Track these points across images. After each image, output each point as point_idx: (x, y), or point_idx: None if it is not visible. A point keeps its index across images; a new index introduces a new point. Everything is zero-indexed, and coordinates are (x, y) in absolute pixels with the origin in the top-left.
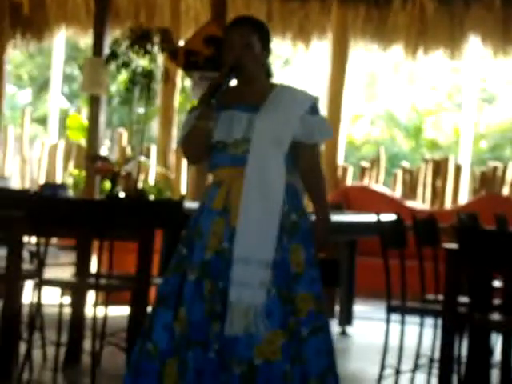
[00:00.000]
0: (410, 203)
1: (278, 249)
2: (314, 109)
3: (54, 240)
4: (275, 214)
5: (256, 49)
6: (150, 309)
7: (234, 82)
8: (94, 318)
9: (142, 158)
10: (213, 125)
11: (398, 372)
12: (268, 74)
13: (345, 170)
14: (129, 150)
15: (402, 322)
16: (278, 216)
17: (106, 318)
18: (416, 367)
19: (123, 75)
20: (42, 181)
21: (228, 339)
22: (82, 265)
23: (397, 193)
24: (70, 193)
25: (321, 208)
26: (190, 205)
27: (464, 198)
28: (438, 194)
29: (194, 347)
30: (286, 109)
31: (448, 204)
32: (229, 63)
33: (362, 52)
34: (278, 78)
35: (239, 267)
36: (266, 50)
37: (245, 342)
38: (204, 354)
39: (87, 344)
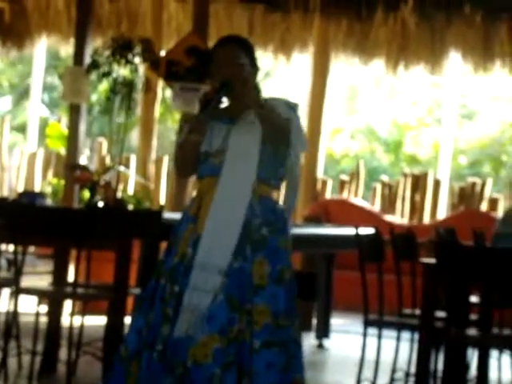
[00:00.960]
0: (388, 217)
1: (237, 258)
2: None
3: (31, 248)
4: (237, 224)
5: (247, 67)
6: (127, 318)
7: (225, 101)
8: (71, 327)
9: (122, 168)
10: (203, 139)
11: None
12: (257, 90)
13: (324, 183)
14: (108, 160)
15: (379, 336)
16: (239, 226)
17: (82, 327)
18: (392, 381)
19: (104, 84)
20: (20, 189)
21: (173, 342)
22: (59, 274)
23: (376, 207)
24: (49, 201)
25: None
26: (169, 215)
27: (442, 213)
28: (416, 209)
29: (148, 348)
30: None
31: (426, 219)
32: (218, 80)
33: (343, 66)
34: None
35: (196, 272)
36: (253, 67)
37: (183, 345)
38: (151, 354)
39: (63, 353)
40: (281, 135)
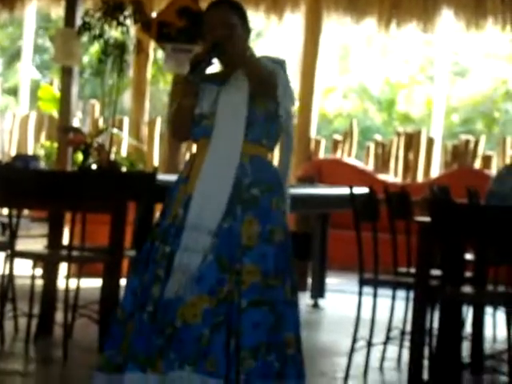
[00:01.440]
0: (382, 176)
1: (227, 218)
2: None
3: (25, 212)
4: (226, 185)
5: (239, 28)
6: (123, 281)
7: (216, 63)
8: (66, 290)
9: (115, 130)
10: (196, 101)
11: (369, 344)
12: (249, 53)
13: (317, 143)
14: (101, 122)
15: (374, 295)
16: (228, 186)
17: (78, 289)
18: (388, 339)
19: (95, 46)
20: (13, 152)
21: (163, 303)
22: (54, 237)
23: (369, 166)
24: (42, 164)
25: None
26: (163, 177)
27: (436, 172)
28: (410, 168)
29: (140, 309)
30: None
31: (420, 177)
32: (209, 42)
33: (335, 25)
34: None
35: (186, 233)
36: (245, 29)
37: (173, 305)
38: (141, 315)
39: (59, 316)
40: (267, 88)
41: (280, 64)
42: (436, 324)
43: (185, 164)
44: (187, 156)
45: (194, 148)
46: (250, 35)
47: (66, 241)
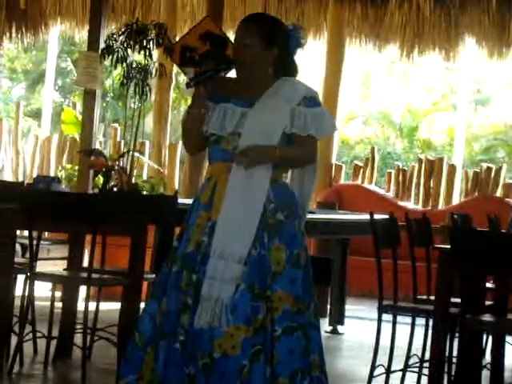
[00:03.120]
0: (402, 203)
1: (256, 245)
2: (308, 100)
3: (46, 234)
4: (256, 212)
5: (255, 48)
6: (142, 304)
7: (231, 74)
8: (86, 313)
9: (136, 154)
10: (205, 111)
11: (388, 371)
12: (281, 71)
13: (338, 168)
14: (122, 145)
15: (394, 322)
16: (258, 214)
17: (97, 312)
18: (407, 367)
19: (118, 70)
20: (35, 174)
21: (194, 332)
22: (74, 259)
23: (390, 192)
24: (64, 187)
25: (280, 149)
26: (184, 201)
27: (457, 199)
28: (431, 195)
29: (166, 337)
30: (277, 102)
31: (441, 205)
32: (222, 55)
33: (358, 51)
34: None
35: (214, 261)
36: (272, 47)
37: (208, 335)
38: (172, 344)
39: (78, 338)
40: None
41: (308, 93)
42: (455, 352)
43: (201, 187)
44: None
45: (211, 170)
46: (281, 52)
47: (85, 263)
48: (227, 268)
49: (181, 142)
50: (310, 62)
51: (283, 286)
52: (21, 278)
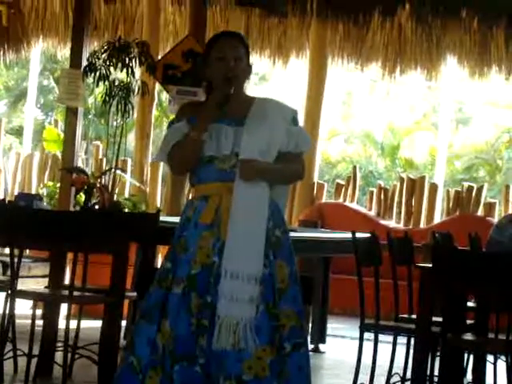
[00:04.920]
0: (384, 222)
1: (265, 264)
2: (295, 120)
3: (27, 251)
4: (261, 230)
5: (243, 61)
6: (123, 322)
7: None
8: (67, 331)
9: (118, 171)
10: (206, 136)
11: None
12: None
13: (320, 187)
14: (104, 163)
15: (376, 341)
16: (263, 231)
17: (78, 330)
18: None
19: (100, 88)
20: (16, 192)
21: (215, 354)
22: (55, 277)
23: (372, 211)
24: (45, 204)
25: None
26: (166, 219)
27: (438, 218)
28: (412, 213)
29: (180, 362)
30: (271, 121)
31: (422, 223)
32: (225, 74)
33: (340, 70)
34: (255, 94)
35: (227, 282)
36: (248, 64)
37: (233, 357)
38: (190, 368)
39: (59, 356)
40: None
41: (294, 113)
42: (437, 371)
43: (196, 207)
44: (193, 198)
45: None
46: (251, 70)
47: (67, 281)
48: (244, 288)
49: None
50: (293, 80)
51: (289, 303)
52: (1, 296)
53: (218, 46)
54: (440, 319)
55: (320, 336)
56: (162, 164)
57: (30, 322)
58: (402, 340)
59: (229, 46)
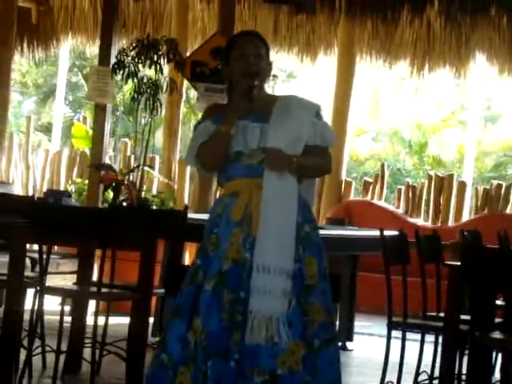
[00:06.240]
0: (412, 219)
1: (296, 259)
2: (319, 114)
3: (55, 248)
4: (291, 225)
5: (264, 59)
6: (151, 319)
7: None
8: (95, 327)
9: (146, 168)
10: (234, 131)
11: None
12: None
13: (348, 184)
14: (132, 160)
15: (403, 338)
16: (294, 226)
17: (106, 326)
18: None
19: (129, 85)
20: (45, 189)
21: (249, 348)
22: (83, 273)
23: (400, 209)
24: (73, 201)
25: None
26: (193, 215)
27: (466, 216)
28: (440, 211)
29: (214, 357)
30: (295, 116)
31: (450, 221)
32: (245, 69)
33: (368, 68)
34: (282, 91)
35: (259, 276)
36: (269, 62)
37: (267, 351)
38: (224, 363)
39: (87, 352)
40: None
41: (318, 107)
42: (465, 369)
43: (221, 204)
44: (222, 195)
45: (233, 186)
46: (271, 68)
47: (95, 278)
48: (276, 283)
49: None
50: (321, 78)
51: (319, 299)
52: (30, 292)
53: (238, 45)
54: (468, 317)
55: (347, 334)
56: None
57: (58, 318)
58: (429, 338)
59: (248, 44)
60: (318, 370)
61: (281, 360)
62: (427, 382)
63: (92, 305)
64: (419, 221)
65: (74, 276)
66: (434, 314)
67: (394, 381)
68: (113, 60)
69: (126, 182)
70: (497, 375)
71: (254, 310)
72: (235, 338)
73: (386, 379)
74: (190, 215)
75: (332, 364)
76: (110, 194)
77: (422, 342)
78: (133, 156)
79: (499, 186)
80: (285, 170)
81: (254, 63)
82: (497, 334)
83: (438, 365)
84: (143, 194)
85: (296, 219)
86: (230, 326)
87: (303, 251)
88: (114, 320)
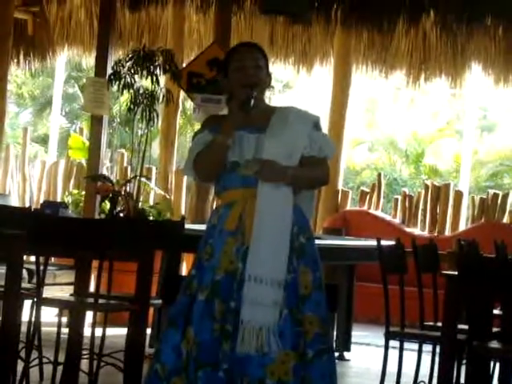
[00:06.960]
0: (409, 229)
1: (289, 269)
2: (317, 125)
3: (52, 259)
4: (286, 235)
5: (263, 70)
6: (148, 330)
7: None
8: (92, 338)
9: (143, 179)
10: (231, 142)
11: None
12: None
13: (345, 194)
14: (129, 171)
15: (401, 348)
16: (288, 237)
17: (103, 337)
18: None
19: (125, 96)
20: (41, 200)
21: (239, 358)
22: (80, 284)
23: (396, 218)
24: (70, 212)
25: (295, 168)
26: (190, 226)
27: (463, 225)
28: (437, 221)
29: (204, 368)
30: (292, 127)
31: (447, 231)
32: (245, 81)
33: (364, 78)
34: (279, 102)
35: (251, 286)
36: (268, 73)
37: (257, 362)
38: (213, 373)
39: (84, 364)
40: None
41: (316, 118)
42: (463, 379)
43: (217, 214)
44: (219, 205)
45: (229, 196)
46: (270, 80)
47: (92, 289)
48: (268, 293)
49: None
50: (317, 88)
51: (312, 309)
52: (27, 304)
53: (237, 57)
54: (466, 327)
55: (345, 344)
56: None
57: (55, 329)
58: (427, 348)
59: (247, 56)
60: (310, 381)
61: (270, 370)
62: None
63: (89, 316)
64: (416, 230)
65: (71, 287)
66: (431, 323)
67: None
68: (109, 71)
69: (122, 193)
70: None
71: (245, 320)
72: (225, 347)
73: None
74: (187, 226)
75: (325, 376)
76: (107, 205)
77: (420, 351)
78: (129, 167)
79: (496, 196)
80: (279, 182)
81: (253, 74)
82: (494, 344)
83: (435, 374)
84: (140, 204)
85: (290, 230)
86: (220, 336)
87: (297, 262)
88: (111, 331)
